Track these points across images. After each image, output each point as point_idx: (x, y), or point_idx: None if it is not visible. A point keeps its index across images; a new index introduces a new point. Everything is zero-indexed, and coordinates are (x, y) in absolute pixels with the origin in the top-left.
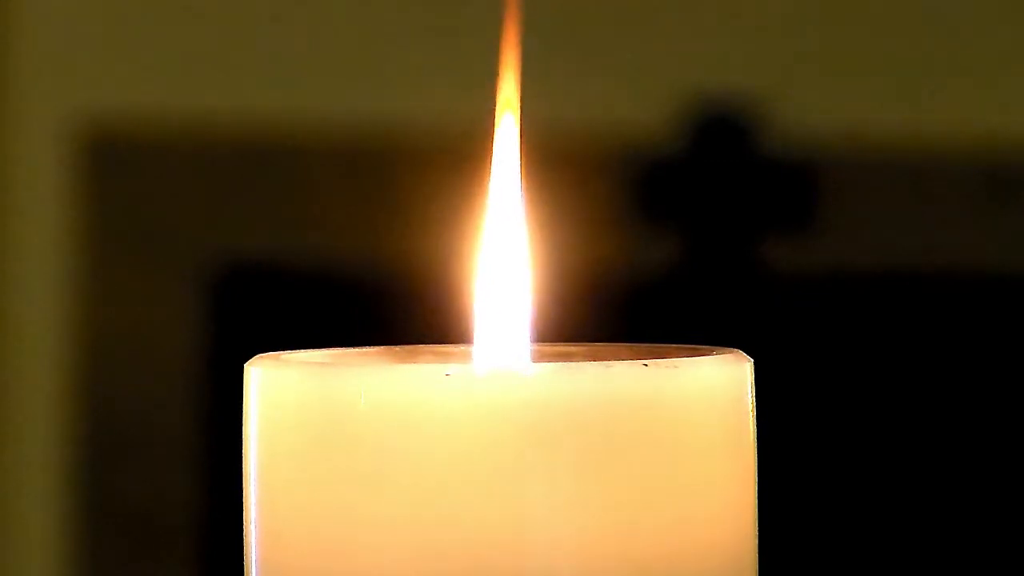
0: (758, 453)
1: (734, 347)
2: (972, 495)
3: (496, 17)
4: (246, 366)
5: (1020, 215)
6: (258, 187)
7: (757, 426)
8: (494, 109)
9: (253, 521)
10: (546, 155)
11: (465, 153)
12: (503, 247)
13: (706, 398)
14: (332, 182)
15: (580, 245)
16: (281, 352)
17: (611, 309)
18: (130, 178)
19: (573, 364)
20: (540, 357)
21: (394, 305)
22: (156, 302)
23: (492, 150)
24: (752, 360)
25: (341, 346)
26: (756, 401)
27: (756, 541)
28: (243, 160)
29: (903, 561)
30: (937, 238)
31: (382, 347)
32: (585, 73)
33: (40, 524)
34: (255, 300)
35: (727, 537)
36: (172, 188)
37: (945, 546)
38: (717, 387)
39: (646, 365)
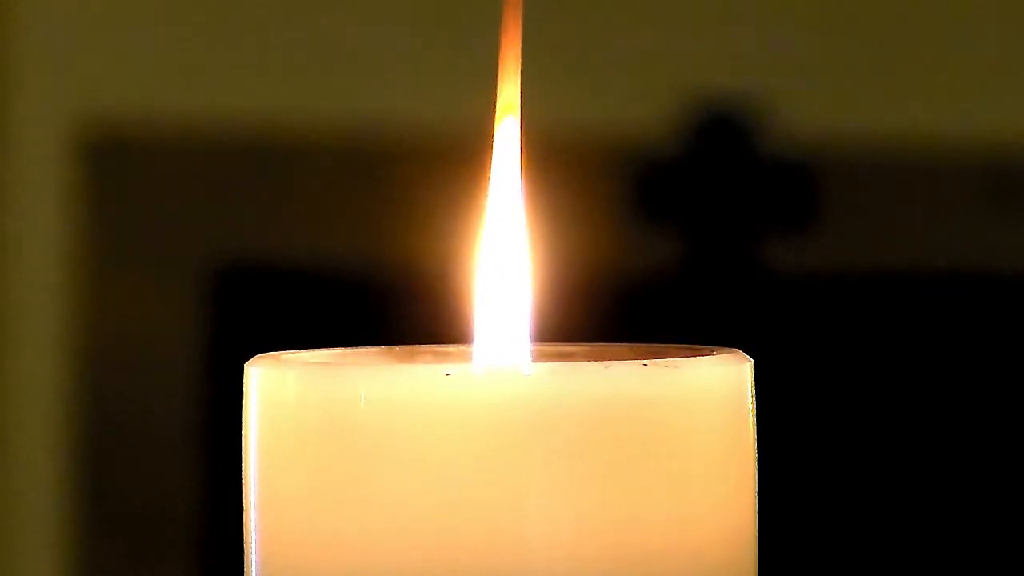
0: (758, 453)
1: (734, 347)
2: (972, 495)
3: (497, 17)
4: (246, 366)
5: (1020, 215)
6: (258, 187)
7: (757, 426)
8: (494, 109)
9: (253, 521)
10: (545, 155)
11: (465, 153)
12: (503, 247)
13: (706, 398)
14: (332, 182)
15: (580, 245)
16: (281, 352)
17: (611, 309)
18: (130, 178)
19: (573, 364)
20: (540, 357)
21: (394, 305)
22: (156, 302)
23: (492, 150)
24: (752, 360)
25: (341, 346)
26: (756, 401)
27: (756, 541)
28: (243, 160)
29: (903, 561)
30: (937, 238)
31: (382, 347)
32: (585, 73)
33: (40, 524)
34: (255, 300)
35: (727, 537)
36: (172, 188)
37: (945, 546)
38: (717, 387)
39: (646, 365)
